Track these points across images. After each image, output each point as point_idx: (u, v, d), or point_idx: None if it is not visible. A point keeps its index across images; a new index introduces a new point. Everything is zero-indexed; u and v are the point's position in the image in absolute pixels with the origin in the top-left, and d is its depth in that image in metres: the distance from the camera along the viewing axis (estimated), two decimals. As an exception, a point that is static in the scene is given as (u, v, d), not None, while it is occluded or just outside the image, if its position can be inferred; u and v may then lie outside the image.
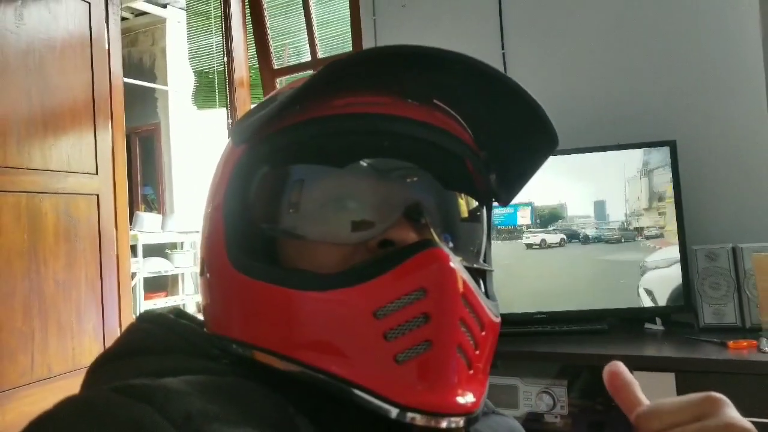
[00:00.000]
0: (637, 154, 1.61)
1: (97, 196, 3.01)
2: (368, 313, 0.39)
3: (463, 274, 0.41)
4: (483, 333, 0.42)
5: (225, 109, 3.30)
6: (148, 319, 0.49)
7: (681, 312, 1.59)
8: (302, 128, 0.44)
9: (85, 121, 2.98)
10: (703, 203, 1.67)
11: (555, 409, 1.46)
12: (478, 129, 0.50)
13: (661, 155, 1.60)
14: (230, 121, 3.04)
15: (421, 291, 0.39)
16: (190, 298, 6.54)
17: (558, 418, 1.48)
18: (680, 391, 1.27)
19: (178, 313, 0.50)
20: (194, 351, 0.44)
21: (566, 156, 1.62)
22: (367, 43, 2.19)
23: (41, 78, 2.73)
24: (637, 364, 1.32)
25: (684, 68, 1.73)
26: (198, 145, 6.34)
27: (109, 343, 2.56)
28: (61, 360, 2.77)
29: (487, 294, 0.50)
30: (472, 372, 0.40)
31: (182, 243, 6.43)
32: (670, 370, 1.30)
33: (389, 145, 0.46)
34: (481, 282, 0.51)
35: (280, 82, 2.86)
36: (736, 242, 1.53)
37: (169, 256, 6.28)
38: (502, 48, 1.93)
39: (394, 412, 0.37)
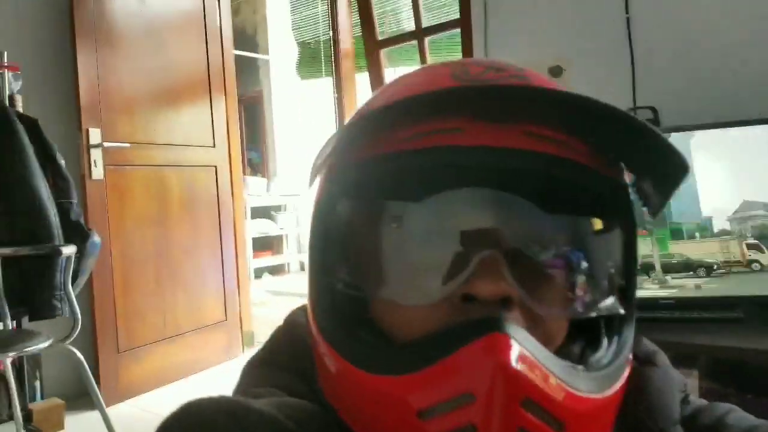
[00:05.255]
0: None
1: (215, 167, 3.20)
2: (413, 412, 0.34)
3: (529, 371, 0.33)
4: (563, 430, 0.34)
5: (330, 77, 3.35)
6: (292, 331, 0.51)
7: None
8: (358, 169, 0.40)
9: (201, 95, 3.15)
10: None
11: (679, 395, 1.43)
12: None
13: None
14: (336, 94, 3.10)
15: (468, 395, 0.32)
16: (293, 257, 6.86)
17: (683, 403, 1.45)
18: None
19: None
20: (307, 377, 0.46)
21: (703, 131, 1.52)
22: (476, 10, 2.14)
23: (162, 56, 2.90)
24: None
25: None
26: (300, 110, 6.53)
27: (229, 303, 2.78)
28: (188, 319, 3.03)
29: (617, 344, 0.41)
30: None
31: (285, 205, 6.72)
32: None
33: (466, 181, 0.38)
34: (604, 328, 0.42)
35: (386, 54, 2.87)
36: None
37: (274, 217, 6.59)
38: (626, 12, 1.82)
39: None
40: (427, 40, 2.74)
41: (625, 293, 0.41)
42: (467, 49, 2.26)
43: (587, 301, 0.40)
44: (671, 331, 1.45)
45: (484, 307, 0.36)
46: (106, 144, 2.61)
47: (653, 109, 1.75)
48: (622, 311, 0.41)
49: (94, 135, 2.59)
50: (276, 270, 6.74)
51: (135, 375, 2.76)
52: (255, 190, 6.26)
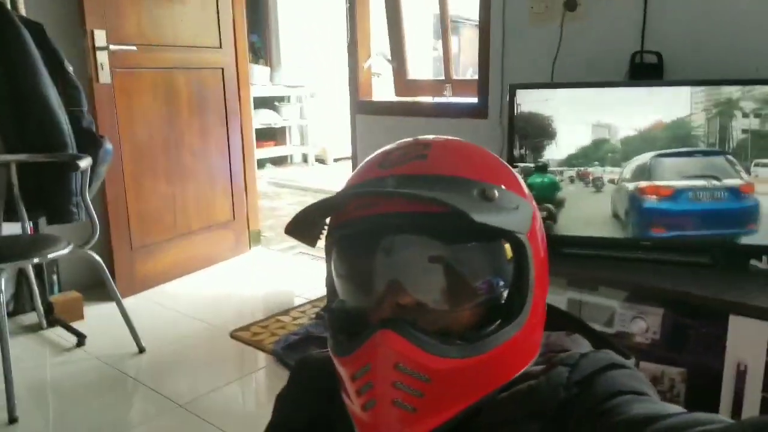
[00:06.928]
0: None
1: (222, 69, 3.18)
2: (350, 376, 0.57)
3: (402, 348, 0.53)
4: (430, 383, 0.53)
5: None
6: None
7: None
8: (331, 231, 0.62)
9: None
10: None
11: (647, 334, 1.59)
12: None
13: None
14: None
15: (368, 365, 0.55)
16: (296, 149, 6.91)
17: (649, 340, 1.61)
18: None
19: None
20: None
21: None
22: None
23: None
24: (733, 309, 1.40)
25: None
26: (307, -1, 6.26)
27: (237, 202, 3.00)
28: (197, 218, 3.17)
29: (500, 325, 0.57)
30: (418, 413, 0.53)
31: (289, 96, 6.65)
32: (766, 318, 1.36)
33: (378, 235, 0.57)
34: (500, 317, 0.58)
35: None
36: None
37: (277, 108, 6.56)
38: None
39: None
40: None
41: (518, 295, 0.58)
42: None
43: (476, 302, 0.58)
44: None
45: (400, 309, 0.56)
46: (112, 47, 2.59)
47: (659, 55, 1.75)
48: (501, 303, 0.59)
49: (100, 37, 2.56)
50: (279, 161, 6.82)
51: (148, 270, 2.94)
52: (259, 80, 6.17)
